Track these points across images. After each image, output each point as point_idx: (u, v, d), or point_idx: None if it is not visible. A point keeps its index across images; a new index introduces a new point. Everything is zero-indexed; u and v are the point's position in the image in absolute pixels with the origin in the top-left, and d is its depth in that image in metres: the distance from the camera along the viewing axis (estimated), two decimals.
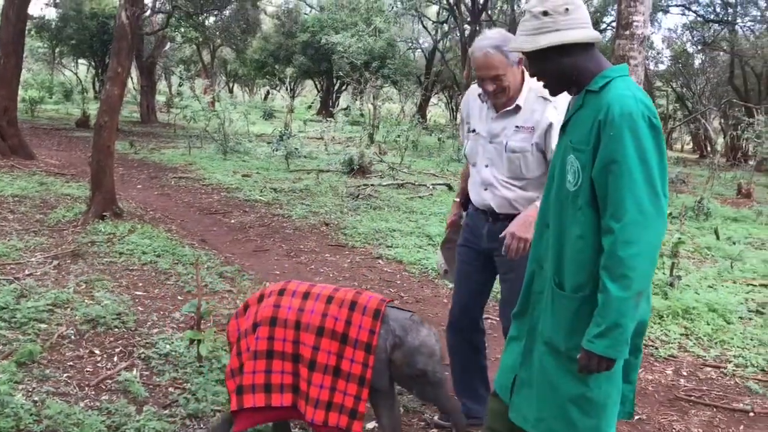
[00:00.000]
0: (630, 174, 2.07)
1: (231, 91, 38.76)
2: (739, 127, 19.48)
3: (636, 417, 3.72)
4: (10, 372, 3.49)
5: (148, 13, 19.86)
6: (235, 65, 35.46)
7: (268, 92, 39.07)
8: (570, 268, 2.24)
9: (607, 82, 2.18)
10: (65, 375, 3.66)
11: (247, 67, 32.33)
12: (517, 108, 3.05)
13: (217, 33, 24.75)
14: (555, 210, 2.30)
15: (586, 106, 2.22)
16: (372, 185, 11.15)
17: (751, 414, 3.89)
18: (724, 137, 26.08)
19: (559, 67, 2.23)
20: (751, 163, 19.50)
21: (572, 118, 2.28)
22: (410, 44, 31.99)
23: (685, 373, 4.41)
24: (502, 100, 3.06)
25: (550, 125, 2.98)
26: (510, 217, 3.04)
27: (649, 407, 3.89)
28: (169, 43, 25.70)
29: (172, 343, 4.13)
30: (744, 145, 20.88)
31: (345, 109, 25.30)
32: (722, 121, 25.63)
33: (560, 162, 2.30)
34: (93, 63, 27.31)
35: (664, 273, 6.04)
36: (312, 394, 2.76)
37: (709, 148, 19.13)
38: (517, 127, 3.07)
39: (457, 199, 3.55)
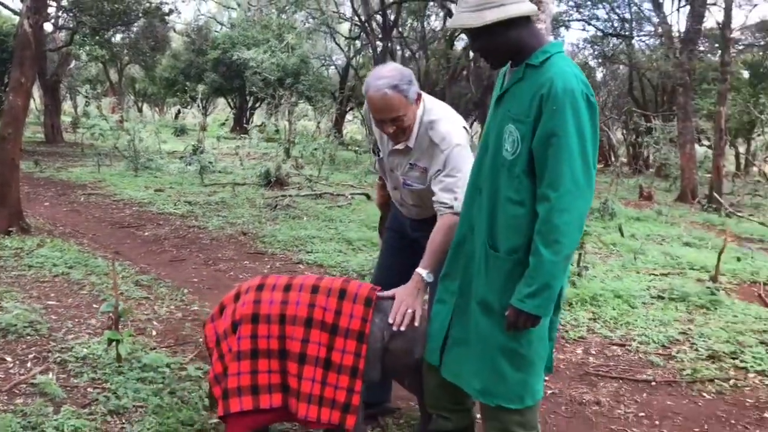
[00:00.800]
0: (568, 147, 2.21)
1: (140, 110, 37.83)
2: (639, 135, 20.58)
3: (549, 392, 3.91)
4: None
5: (50, 29, 19.23)
6: (144, 84, 34.66)
7: (179, 111, 38.27)
8: (504, 232, 2.37)
9: (547, 57, 2.28)
10: None
11: (156, 85, 31.62)
12: (408, 149, 2.99)
13: (125, 50, 24.16)
14: (489, 176, 2.42)
15: (526, 79, 2.32)
16: (290, 196, 11.15)
17: (653, 383, 4.17)
18: (626, 146, 27.45)
19: (506, 41, 2.31)
20: (651, 169, 20.63)
21: (510, 90, 2.38)
22: (324, 61, 32.15)
23: (593, 352, 4.66)
24: (401, 140, 2.98)
25: (438, 172, 2.92)
26: (430, 221, 3.04)
27: (561, 382, 4.10)
28: (74, 62, 24.88)
29: (89, 346, 4.04)
30: (645, 152, 22.01)
31: (260, 125, 25.17)
32: (624, 131, 26.93)
33: (496, 131, 2.41)
34: None
35: (571, 264, 6.33)
36: (304, 389, 2.66)
37: (612, 158, 20.09)
38: (411, 164, 3.03)
39: (380, 180, 3.51)
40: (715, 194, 11.45)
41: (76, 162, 15.73)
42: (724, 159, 14.05)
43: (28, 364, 3.81)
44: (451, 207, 2.89)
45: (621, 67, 26.84)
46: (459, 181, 2.89)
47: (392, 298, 2.82)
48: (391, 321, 2.73)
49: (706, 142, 22.15)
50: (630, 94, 24.53)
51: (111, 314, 3.85)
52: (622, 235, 9.04)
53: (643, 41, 24.57)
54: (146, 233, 8.11)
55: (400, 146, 2.99)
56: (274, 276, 2.89)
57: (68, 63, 22.70)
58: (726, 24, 13.36)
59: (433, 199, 2.94)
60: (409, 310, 2.76)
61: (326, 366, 2.67)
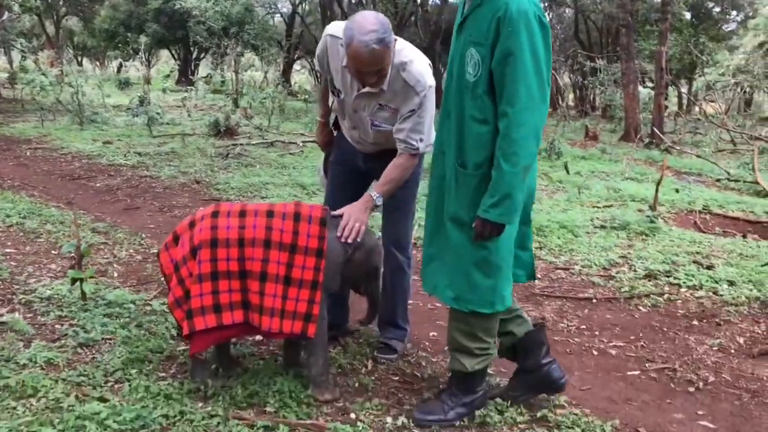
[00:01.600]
0: (523, 65, 2.39)
1: (80, 64, 36.60)
2: (585, 77, 20.93)
3: None
4: None
5: None
6: (83, 36, 33.48)
7: (121, 64, 37.19)
8: (471, 150, 2.57)
9: None
10: None
11: (96, 38, 30.62)
12: (381, 91, 3.02)
13: (61, 1, 23.27)
14: (455, 100, 2.61)
15: (483, 5, 2.48)
16: (241, 144, 11.14)
17: (594, 300, 4.48)
18: (573, 90, 27.86)
19: None
20: (597, 111, 21.09)
21: (470, 16, 2.54)
22: (269, 9, 31.47)
23: (539, 276, 4.93)
24: (377, 85, 2.99)
25: (412, 112, 3.01)
26: (387, 153, 3.19)
27: None
28: (6, 13, 23.84)
29: (53, 288, 4.11)
30: (590, 94, 22.43)
31: (206, 77, 24.70)
32: (571, 75, 27.29)
33: (459, 56, 2.58)
34: None
35: None
36: (266, 304, 2.83)
37: (560, 100, 20.43)
38: (380, 105, 3.08)
39: (322, 119, 3.60)
40: (656, 130, 11.83)
41: (18, 118, 15.30)
42: (664, 98, 14.44)
43: None
44: (417, 149, 3.06)
45: (567, 10, 27.07)
46: (426, 123, 3.05)
47: (335, 215, 3.02)
48: (339, 234, 2.92)
49: (650, 84, 22.67)
50: (576, 37, 24.83)
51: (73, 254, 3.91)
52: (567, 172, 9.35)
53: None
54: (98, 184, 8.07)
55: (373, 89, 3.01)
56: (227, 203, 3.02)
57: (1, 15, 21.76)
58: None
59: (398, 137, 3.06)
60: (357, 224, 2.96)
61: (286, 282, 2.84)
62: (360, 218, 2.99)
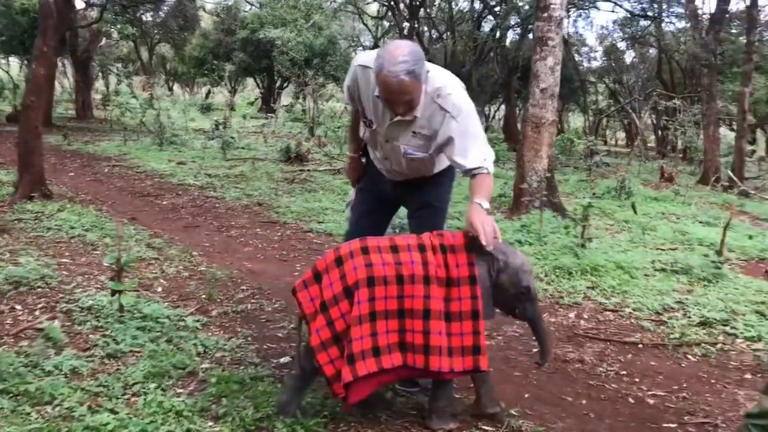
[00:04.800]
0: None
1: (171, 89, 38.17)
2: (667, 119, 20.30)
3: (535, 349, 4.01)
4: None
5: (82, 5, 19.57)
6: (174, 63, 35.02)
7: (209, 91, 38.62)
8: None
9: None
10: None
11: (186, 64, 31.92)
12: (414, 118, 2.96)
13: (155, 29, 24.45)
14: None
15: None
16: (308, 171, 11.31)
17: (640, 345, 4.24)
18: (654, 131, 27.05)
19: None
20: (676, 152, 20.35)
21: None
22: (351, 41, 32.13)
23: (586, 317, 4.74)
24: (408, 114, 2.94)
25: (451, 139, 2.93)
26: (417, 180, 3.20)
27: None
28: (104, 39, 25.26)
29: (96, 298, 4.23)
30: (672, 137, 21.75)
31: (288, 105, 25.29)
32: (653, 116, 26.56)
33: None
34: (25, 60, 26.60)
35: (575, 236, 6.40)
36: (434, 343, 2.70)
37: (637, 140, 19.86)
38: (414, 133, 3.01)
39: (354, 154, 3.52)
40: (729, 173, 11.28)
41: (104, 137, 16.07)
42: (749, 142, 13.80)
43: (36, 313, 4.01)
44: (487, 169, 2.95)
45: (651, 50, 26.43)
46: (479, 143, 2.96)
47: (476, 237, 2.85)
48: (484, 243, 2.74)
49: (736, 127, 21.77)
50: (658, 77, 24.15)
51: (114, 266, 4.02)
52: (635, 212, 9.02)
53: (673, 23, 24.15)
54: (164, 202, 8.33)
55: (406, 117, 2.94)
56: (371, 238, 2.91)
57: (99, 40, 23.05)
58: (753, 2, 13.12)
59: (463, 168, 2.96)
60: (489, 227, 2.77)
61: (447, 318, 2.75)
62: (485, 221, 2.79)
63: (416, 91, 2.83)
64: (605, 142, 31.22)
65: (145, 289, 4.64)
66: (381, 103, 2.97)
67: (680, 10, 21.32)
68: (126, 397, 3.00)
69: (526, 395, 3.42)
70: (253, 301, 4.59)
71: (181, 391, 3.12)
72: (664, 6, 22.56)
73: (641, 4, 23.14)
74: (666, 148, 20.85)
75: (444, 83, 2.96)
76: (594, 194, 10.64)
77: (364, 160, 3.50)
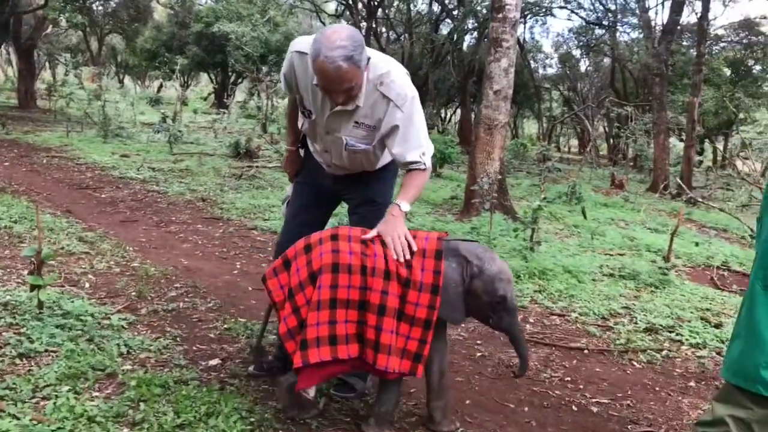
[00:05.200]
0: None
1: (121, 81, 37.32)
2: (619, 128, 20.58)
3: (478, 354, 3.89)
4: None
5: None
6: (125, 55, 34.17)
7: (161, 84, 37.81)
8: None
9: None
10: None
11: (137, 56, 31.17)
12: (356, 108, 2.80)
13: (105, 19, 23.76)
14: None
15: None
16: (257, 167, 11.04)
17: (586, 351, 4.14)
18: (606, 139, 27.49)
19: None
20: (627, 160, 20.66)
21: None
22: None
23: (532, 321, 4.64)
24: (349, 103, 2.78)
25: (396, 128, 2.79)
26: (357, 174, 3.04)
27: (492, 347, 4.06)
28: (51, 27, 24.43)
29: (14, 293, 3.94)
30: (623, 145, 22.09)
31: (241, 102, 24.86)
32: (605, 124, 26.98)
33: None
34: None
35: (524, 239, 6.32)
36: (384, 341, 2.59)
37: (589, 147, 20.11)
38: (356, 123, 2.85)
39: (292, 147, 3.31)
40: (680, 182, 11.44)
41: (47, 127, 15.47)
42: (698, 152, 14.03)
43: None
44: (425, 164, 2.83)
45: (605, 59, 26.84)
46: (421, 134, 2.82)
47: (463, 239, 2.84)
48: (394, 257, 2.67)
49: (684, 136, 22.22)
50: (611, 86, 24.53)
51: (34, 260, 3.74)
52: (585, 217, 9.03)
53: (627, 33, 24.59)
54: (103, 195, 7.98)
55: (347, 107, 2.77)
56: (346, 227, 2.84)
57: (45, 28, 22.26)
58: (704, 15, 13.36)
59: (400, 160, 2.85)
60: (403, 239, 2.70)
61: (399, 317, 2.63)
62: (402, 232, 2.72)
63: (356, 79, 2.64)
64: (558, 149, 31.66)
65: (72, 284, 4.36)
66: (320, 93, 2.78)
67: (634, 20, 21.67)
68: (34, 401, 2.75)
69: (467, 401, 3.27)
70: (186, 299, 4.34)
71: (97, 394, 2.87)
72: (619, 16, 22.94)
73: (596, 13, 23.51)
74: (617, 156, 21.16)
75: (387, 69, 2.78)
76: (545, 198, 10.67)
77: (303, 152, 3.31)
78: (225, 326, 3.88)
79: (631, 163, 20.50)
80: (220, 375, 3.20)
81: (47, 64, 32.95)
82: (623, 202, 11.60)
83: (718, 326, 4.73)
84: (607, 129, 26.59)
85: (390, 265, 2.64)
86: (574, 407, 3.35)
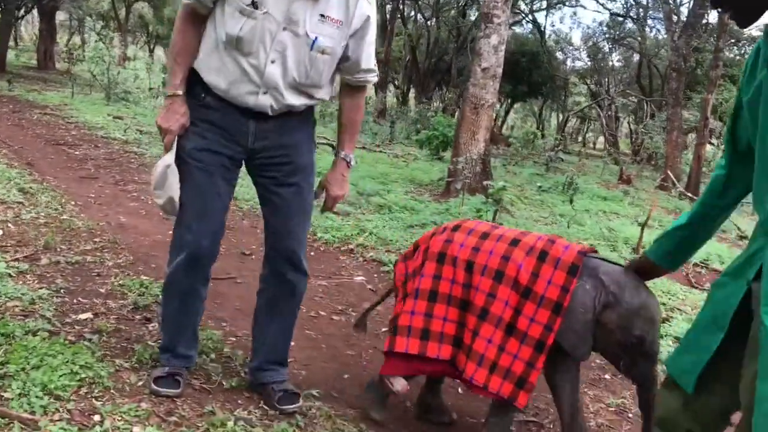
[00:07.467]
0: None
1: (152, 51, 37.48)
2: (638, 124, 20.08)
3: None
4: None
5: None
6: (155, 24, 34.26)
7: None
8: None
9: None
10: None
11: (164, 26, 31.25)
12: None
13: None
14: None
15: None
16: None
17: None
18: (631, 137, 26.85)
19: None
20: (638, 155, 20.14)
21: None
22: None
23: None
24: None
25: (368, 19, 2.36)
26: (288, 115, 2.42)
27: None
28: None
29: None
30: (639, 140, 21.54)
31: None
32: (631, 120, 26.39)
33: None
34: None
35: (488, 219, 6.05)
36: (477, 348, 2.34)
37: (607, 143, 19.65)
38: (322, 16, 2.29)
39: (180, 92, 2.39)
40: (670, 174, 10.99)
41: (56, 87, 15.53)
42: (705, 147, 13.53)
43: None
44: (377, 74, 2.54)
45: (635, 55, 26.19)
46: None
47: (605, 260, 2.44)
48: (326, 210, 2.62)
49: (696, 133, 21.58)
50: (638, 82, 23.93)
51: None
52: (571, 203, 8.72)
53: (657, 28, 23.91)
54: (77, 152, 7.89)
55: None
56: (475, 221, 2.65)
57: None
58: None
59: (363, 66, 2.45)
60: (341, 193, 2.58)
61: (508, 330, 2.32)
62: (346, 190, 2.58)
63: None
64: (584, 144, 31.04)
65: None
66: None
67: (661, 15, 21.04)
68: None
69: (346, 376, 3.05)
70: (97, 254, 4.16)
71: None
72: (650, 12, 22.32)
73: (626, 6, 22.89)
74: (639, 153, 20.63)
75: None
76: (540, 187, 10.37)
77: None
78: (119, 282, 3.69)
79: (648, 159, 20.01)
80: (83, 330, 2.99)
81: (78, 29, 33.25)
82: (622, 196, 11.21)
83: (665, 321, 4.45)
84: (632, 125, 26.01)
85: (509, 268, 2.34)
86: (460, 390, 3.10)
